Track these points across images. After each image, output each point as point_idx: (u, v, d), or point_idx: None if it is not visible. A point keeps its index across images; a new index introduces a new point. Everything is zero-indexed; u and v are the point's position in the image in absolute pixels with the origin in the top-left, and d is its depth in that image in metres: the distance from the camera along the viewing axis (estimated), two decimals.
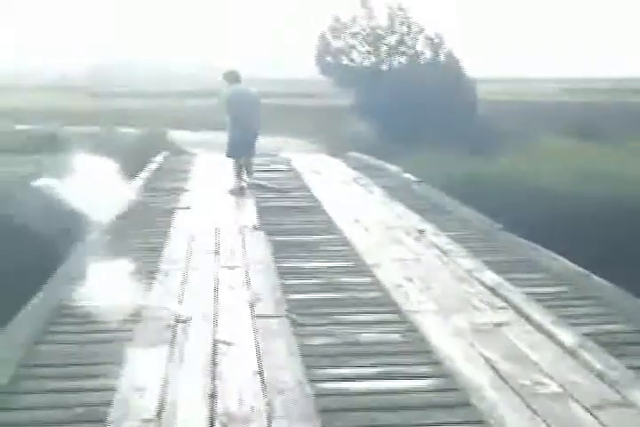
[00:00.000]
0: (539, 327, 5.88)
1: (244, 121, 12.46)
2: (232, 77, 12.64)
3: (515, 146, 18.44)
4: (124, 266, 7.84)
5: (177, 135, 22.53)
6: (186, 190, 12.92)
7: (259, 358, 5.27)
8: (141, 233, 9.64)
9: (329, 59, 26.03)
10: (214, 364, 5.19)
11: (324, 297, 6.82)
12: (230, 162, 13.02)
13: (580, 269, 7.50)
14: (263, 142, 24.07)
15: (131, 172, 14.61)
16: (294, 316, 6.18)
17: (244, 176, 13.04)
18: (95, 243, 8.85)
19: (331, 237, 9.38)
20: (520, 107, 27.25)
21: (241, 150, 12.87)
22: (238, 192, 12.62)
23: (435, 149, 16.76)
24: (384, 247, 8.68)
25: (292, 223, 10.23)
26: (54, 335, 5.87)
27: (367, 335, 5.82)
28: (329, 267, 7.90)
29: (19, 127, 25.24)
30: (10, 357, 5.29)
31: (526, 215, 11.36)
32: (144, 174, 14.43)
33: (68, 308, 6.48)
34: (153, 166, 15.66)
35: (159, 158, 16.93)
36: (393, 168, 15.01)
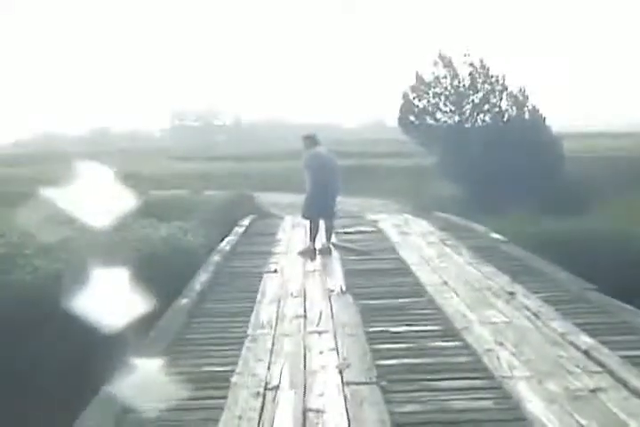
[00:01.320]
0: (637, 393, 5.68)
1: (322, 184, 12.58)
2: (311, 141, 12.80)
3: (603, 203, 18.16)
4: (213, 330, 7.92)
5: (265, 198, 22.75)
6: (273, 254, 12.99)
7: None
8: (230, 298, 9.69)
9: (412, 118, 26.12)
10: None
11: (413, 362, 6.71)
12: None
13: None
14: (348, 203, 24.37)
15: (218, 235, 14.80)
16: (384, 382, 6.09)
17: (322, 239, 13.13)
18: (184, 308, 8.91)
19: (419, 299, 9.28)
20: (607, 162, 26.86)
21: (317, 212, 12.94)
22: (309, 254, 12.67)
23: (521, 207, 16.60)
24: (473, 310, 8.53)
25: (379, 286, 10.15)
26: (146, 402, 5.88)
27: (459, 402, 5.69)
28: (417, 331, 7.80)
29: None
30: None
31: (617, 275, 11.13)
32: (231, 238, 14.55)
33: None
34: (240, 230, 15.79)
35: (246, 222, 17.08)
36: (480, 228, 14.89)
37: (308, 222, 13.26)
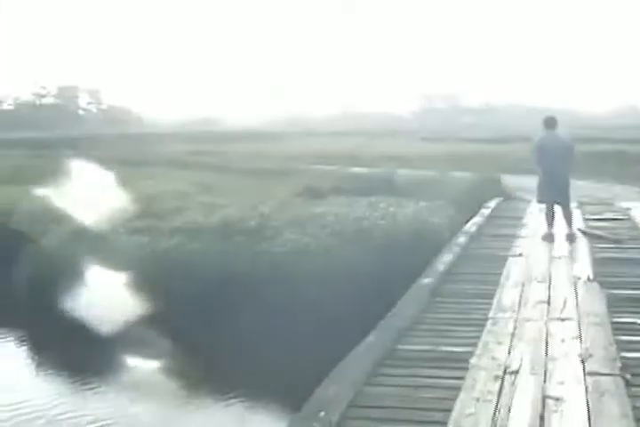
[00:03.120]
0: None
1: (548, 168, 12.36)
2: (547, 124, 12.53)
3: None
4: (455, 311, 7.94)
5: (512, 180, 22.41)
6: (518, 237, 12.83)
7: (589, 418, 5.07)
8: (474, 279, 9.67)
9: None
10: (542, 420, 5.06)
11: None
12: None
13: None
14: (600, 189, 23.58)
15: (464, 217, 14.77)
16: (628, 375, 5.89)
17: (563, 224, 12.86)
18: (426, 287, 8.99)
19: None
20: None
21: (548, 196, 12.70)
22: (548, 238, 12.45)
23: None
24: None
25: (628, 276, 9.77)
26: (384, 378, 6.00)
27: None
28: None
29: (355, 170, 26.31)
30: (341, 396, 5.45)
31: None
32: (477, 220, 14.48)
33: (397, 350, 6.63)
34: (486, 212, 15.68)
35: (492, 204, 16.94)
36: None
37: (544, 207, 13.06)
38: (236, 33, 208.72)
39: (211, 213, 14.75)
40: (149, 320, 10.76)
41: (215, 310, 11.07)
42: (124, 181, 17.14)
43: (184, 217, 14.78)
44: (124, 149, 41.08)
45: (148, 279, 11.36)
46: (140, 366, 10.90)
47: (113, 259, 11.98)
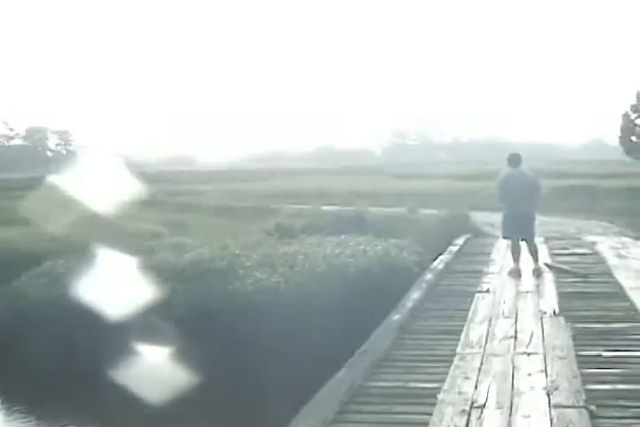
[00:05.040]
0: None
1: (513, 204, 12.61)
2: (511, 161, 12.78)
3: None
4: (423, 347, 8.06)
5: (481, 217, 22.65)
6: (486, 273, 12.99)
7: None
8: (442, 316, 9.81)
9: (634, 139, 25.36)
10: None
11: (625, 388, 6.58)
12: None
13: None
14: (566, 224, 23.87)
15: (433, 253, 14.93)
16: (593, 407, 6.02)
17: (526, 259, 13.07)
18: (395, 324, 9.11)
19: (634, 325, 9.04)
20: None
21: (513, 232, 12.93)
22: (515, 274, 12.63)
23: None
24: None
25: (593, 309, 9.95)
26: (353, 415, 6.10)
27: None
28: (631, 357, 7.62)
29: (326, 208, 26.49)
30: None
31: None
32: (445, 257, 14.64)
33: (367, 387, 6.74)
34: (454, 249, 15.86)
35: (460, 241, 17.12)
36: None
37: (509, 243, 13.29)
38: (207, 70, 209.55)
39: (183, 253, 14.84)
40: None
41: (186, 348, 11.08)
42: (92, 222, 17.19)
43: (157, 257, 14.86)
44: None
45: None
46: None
47: None
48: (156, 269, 13.62)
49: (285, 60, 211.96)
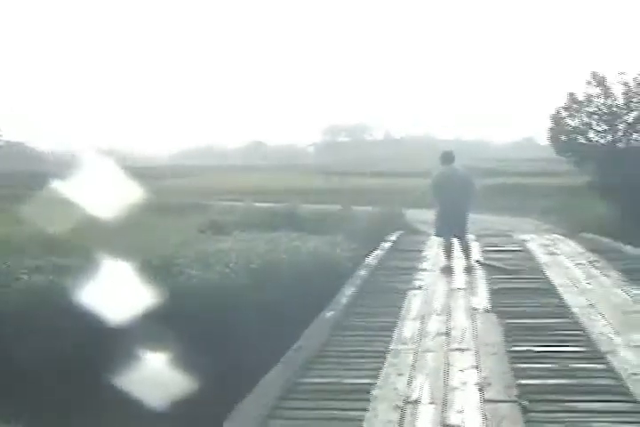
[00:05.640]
0: None
1: (446, 202, 12.76)
2: (444, 159, 12.91)
3: None
4: (355, 345, 8.08)
5: (413, 214, 22.83)
6: (418, 270, 13.09)
7: None
8: (375, 312, 9.85)
9: (564, 138, 25.73)
10: None
11: (555, 383, 6.69)
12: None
13: None
14: (497, 222, 24.19)
15: (366, 250, 14.99)
16: (525, 402, 6.11)
17: (458, 256, 13.30)
18: (329, 321, 9.13)
19: (563, 320, 9.19)
20: None
21: (445, 230, 13.08)
22: (447, 271, 12.78)
23: None
24: (620, 333, 8.38)
25: (523, 306, 10.08)
26: (288, 411, 6.10)
27: (599, 425, 5.66)
28: (561, 352, 7.74)
29: (260, 205, 26.43)
30: None
31: None
32: (378, 253, 14.71)
33: (301, 384, 6.74)
34: (387, 245, 15.94)
35: (393, 237, 17.22)
36: (631, 250, 14.56)
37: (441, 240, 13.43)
38: (142, 66, 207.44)
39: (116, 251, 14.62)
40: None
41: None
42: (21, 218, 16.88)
43: (88, 254, 14.61)
44: (21, 185, 40.08)
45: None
46: None
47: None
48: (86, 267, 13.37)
49: (220, 56, 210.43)
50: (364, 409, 5.98)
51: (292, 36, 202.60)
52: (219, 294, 11.76)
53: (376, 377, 6.85)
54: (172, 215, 22.70)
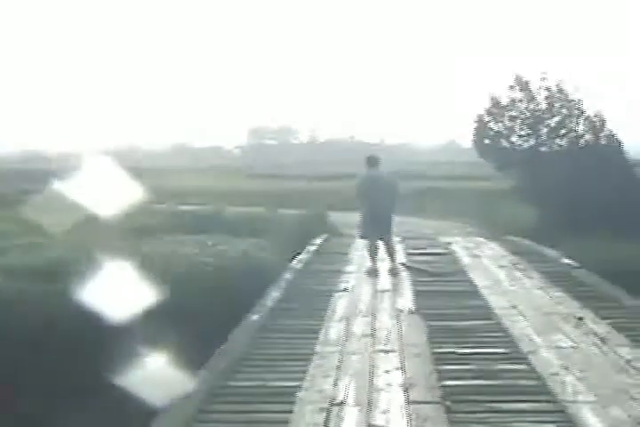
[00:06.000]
0: None
1: (371, 205, 12.82)
2: (370, 162, 13.01)
3: None
4: (281, 348, 8.07)
5: (338, 217, 22.90)
6: (344, 273, 13.15)
7: None
8: (300, 315, 9.86)
9: (487, 141, 26.03)
10: None
11: (478, 384, 6.79)
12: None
13: None
14: (422, 225, 24.41)
15: (292, 253, 14.98)
16: (448, 402, 6.18)
17: (384, 258, 13.37)
18: (254, 324, 9.11)
19: (487, 322, 9.33)
20: None
21: (371, 232, 13.15)
22: (372, 273, 12.86)
23: (595, 234, 16.41)
24: (541, 334, 8.55)
25: (448, 308, 10.20)
26: (214, 415, 6.07)
27: (522, 424, 5.76)
28: (484, 353, 7.85)
29: (184, 208, 26.20)
30: None
31: None
32: (304, 256, 14.73)
33: (227, 387, 6.71)
34: (312, 248, 15.97)
35: (318, 240, 17.26)
36: (552, 253, 14.84)
37: (366, 243, 13.53)
38: (61, 64, 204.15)
39: (35, 254, 14.37)
40: None
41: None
42: None
43: (5, 258, 14.33)
44: None
45: None
46: None
47: None
48: (5, 270, 13.13)
49: (143, 57, 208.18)
50: (290, 412, 5.98)
51: (215, 37, 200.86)
52: None
53: (302, 379, 6.86)
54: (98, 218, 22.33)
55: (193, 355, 7.90)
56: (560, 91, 25.32)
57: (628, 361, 7.39)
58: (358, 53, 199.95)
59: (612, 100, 68.89)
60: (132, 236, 17.77)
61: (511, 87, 25.73)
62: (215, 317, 10.63)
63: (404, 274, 12.91)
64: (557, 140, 25.36)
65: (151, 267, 12.69)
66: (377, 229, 13.03)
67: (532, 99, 25.54)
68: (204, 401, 6.29)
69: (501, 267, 13.64)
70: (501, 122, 25.88)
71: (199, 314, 11.05)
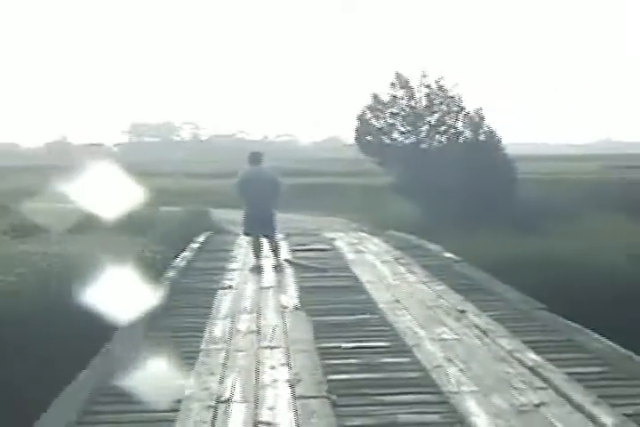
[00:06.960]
0: (579, 408, 5.83)
1: (253, 202, 12.91)
2: (252, 159, 13.02)
3: (558, 225, 18.38)
4: (166, 346, 7.96)
5: (222, 214, 22.78)
6: (228, 270, 13.08)
7: None
8: (185, 313, 9.76)
9: (369, 138, 26.22)
10: None
11: (363, 377, 6.84)
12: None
13: (622, 350, 7.42)
14: (305, 221, 24.51)
15: (174, 251, 14.82)
16: (334, 396, 6.20)
17: (268, 255, 13.45)
18: (138, 323, 8.95)
19: (371, 316, 9.41)
20: (561, 185, 27.30)
21: (254, 229, 13.20)
22: (256, 270, 12.89)
23: (476, 228, 16.77)
24: (424, 327, 8.68)
25: (332, 303, 10.26)
26: (97, 416, 5.94)
27: (407, 416, 5.81)
28: (369, 347, 7.91)
29: (63, 206, 25.56)
30: None
31: (569, 295, 11.36)
32: (186, 254, 14.59)
33: (111, 388, 6.57)
34: (195, 246, 15.84)
35: (201, 238, 17.13)
36: (434, 247, 15.09)
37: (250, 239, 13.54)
38: None
39: None
40: None
41: None
42: None
43: None
44: None
45: None
46: None
47: None
48: None
49: (20, 53, 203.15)
50: (177, 410, 5.90)
51: (95, 32, 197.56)
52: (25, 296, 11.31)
53: (187, 377, 6.78)
54: None
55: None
56: (440, 87, 25.67)
57: (509, 352, 7.56)
58: (242, 49, 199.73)
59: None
60: (11, 235, 17.31)
61: (392, 84, 25.96)
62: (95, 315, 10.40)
63: (289, 270, 12.92)
64: (437, 137, 25.72)
65: (30, 266, 12.39)
66: (259, 226, 13.03)
67: (412, 96, 25.82)
68: (87, 402, 6.15)
69: (385, 262, 13.78)
70: (383, 119, 26.09)
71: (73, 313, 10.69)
